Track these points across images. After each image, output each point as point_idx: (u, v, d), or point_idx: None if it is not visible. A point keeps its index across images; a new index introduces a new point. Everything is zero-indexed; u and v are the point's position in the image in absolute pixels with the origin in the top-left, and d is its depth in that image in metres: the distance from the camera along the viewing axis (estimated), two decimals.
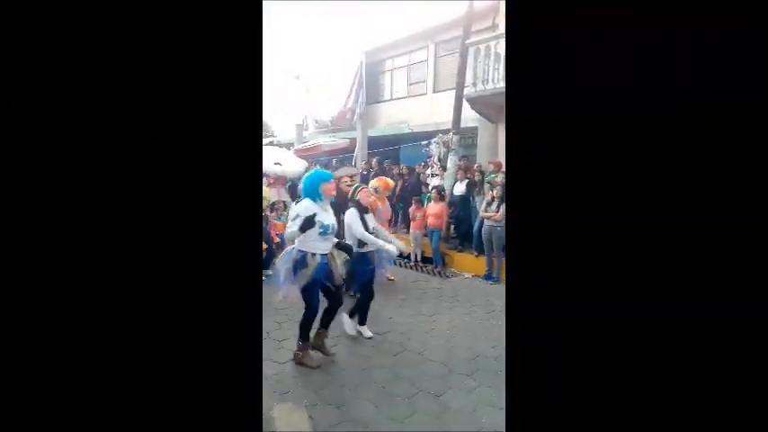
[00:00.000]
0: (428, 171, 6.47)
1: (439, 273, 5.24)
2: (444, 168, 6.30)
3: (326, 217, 2.50)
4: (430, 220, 5.32)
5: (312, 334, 2.63)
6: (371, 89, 10.57)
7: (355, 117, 9.95)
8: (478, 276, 4.99)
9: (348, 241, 2.88)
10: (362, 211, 2.95)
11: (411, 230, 5.67)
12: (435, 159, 6.38)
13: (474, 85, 6.14)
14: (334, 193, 2.58)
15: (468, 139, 8.08)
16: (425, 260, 5.57)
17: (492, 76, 5.95)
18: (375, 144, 9.40)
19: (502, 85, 5.76)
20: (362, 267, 2.93)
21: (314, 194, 2.51)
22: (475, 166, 6.19)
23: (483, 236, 4.85)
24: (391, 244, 2.88)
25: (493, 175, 5.72)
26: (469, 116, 6.77)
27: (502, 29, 6.38)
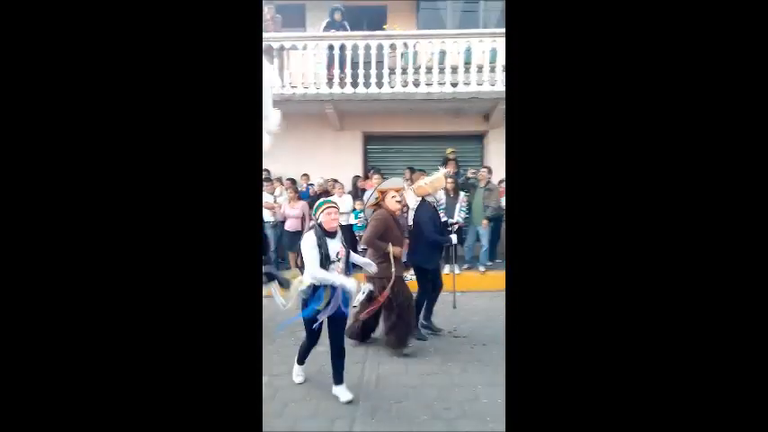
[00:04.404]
0: None
1: None
2: None
3: None
4: None
5: None
6: None
7: None
8: None
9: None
10: (324, 236, 2.26)
11: None
12: None
13: None
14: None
15: None
16: None
17: None
18: None
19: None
20: (313, 306, 2.24)
21: None
22: None
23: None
24: (348, 278, 2.29)
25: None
26: None
27: None
